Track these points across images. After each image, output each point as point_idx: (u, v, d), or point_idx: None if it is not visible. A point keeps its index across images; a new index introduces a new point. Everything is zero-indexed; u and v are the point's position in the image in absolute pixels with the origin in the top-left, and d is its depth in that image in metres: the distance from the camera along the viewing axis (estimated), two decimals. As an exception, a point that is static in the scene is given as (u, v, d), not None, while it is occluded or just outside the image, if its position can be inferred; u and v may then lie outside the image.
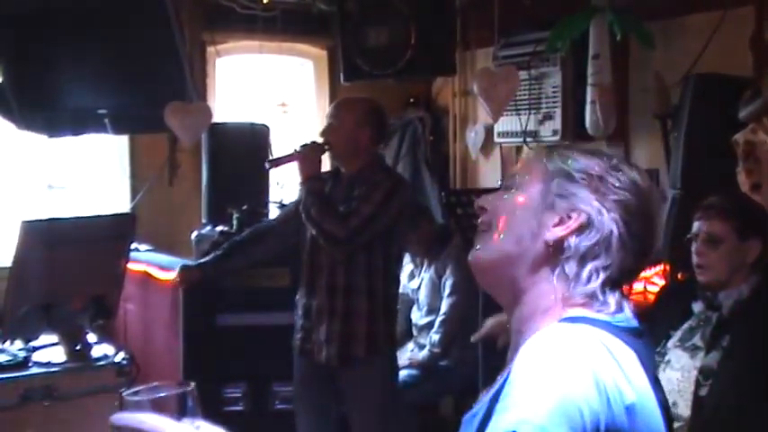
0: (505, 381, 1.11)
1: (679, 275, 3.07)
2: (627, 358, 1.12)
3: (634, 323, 1.19)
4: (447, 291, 4.42)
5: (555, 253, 1.19)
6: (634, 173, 1.22)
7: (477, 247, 1.27)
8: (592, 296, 1.17)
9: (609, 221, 1.17)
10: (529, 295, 1.21)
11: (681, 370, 2.44)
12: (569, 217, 1.19)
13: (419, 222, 4.31)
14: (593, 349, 1.10)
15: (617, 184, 1.19)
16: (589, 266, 1.17)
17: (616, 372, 1.08)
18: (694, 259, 2.53)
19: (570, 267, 1.18)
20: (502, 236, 1.23)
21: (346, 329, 3.24)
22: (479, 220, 1.29)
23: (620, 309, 1.19)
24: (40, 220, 3.12)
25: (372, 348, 3.26)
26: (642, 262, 1.23)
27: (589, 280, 1.17)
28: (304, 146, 3.26)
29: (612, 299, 1.18)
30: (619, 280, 1.20)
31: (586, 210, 1.18)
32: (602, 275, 1.17)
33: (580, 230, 1.18)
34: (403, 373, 4.12)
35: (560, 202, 1.20)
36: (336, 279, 3.25)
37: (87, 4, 3.92)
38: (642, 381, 1.13)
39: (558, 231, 1.19)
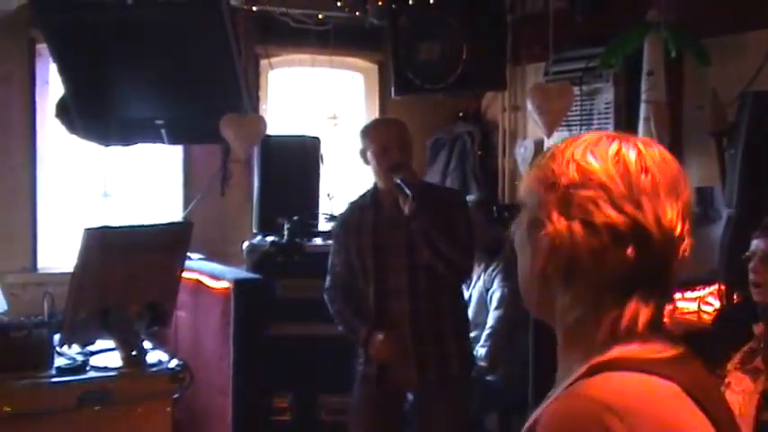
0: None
1: (735, 296, 3.03)
2: (665, 404, 1.01)
3: (672, 351, 1.06)
4: (494, 304, 4.40)
5: None
6: (654, 165, 1.06)
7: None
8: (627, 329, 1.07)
9: (656, 247, 1.05)
10: (569, 332, 1.11)
11: (742, 393, 2.40)
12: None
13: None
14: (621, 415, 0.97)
15: (649, 214, 1.04)
16: (631, 302, 1.07)
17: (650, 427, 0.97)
18: (750, 277, 2.49)
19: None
20: (533, 274, 1.12)
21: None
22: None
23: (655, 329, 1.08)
24: (102, 228, 3.17)
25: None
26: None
27: (631, 319, 1.06)
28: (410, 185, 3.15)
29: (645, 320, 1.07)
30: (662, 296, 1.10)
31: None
32: (644, 312, 1.07)
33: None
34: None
35: None
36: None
37: (145, 16, 4.00)
38: (686, 419, 1.02)
39: None
